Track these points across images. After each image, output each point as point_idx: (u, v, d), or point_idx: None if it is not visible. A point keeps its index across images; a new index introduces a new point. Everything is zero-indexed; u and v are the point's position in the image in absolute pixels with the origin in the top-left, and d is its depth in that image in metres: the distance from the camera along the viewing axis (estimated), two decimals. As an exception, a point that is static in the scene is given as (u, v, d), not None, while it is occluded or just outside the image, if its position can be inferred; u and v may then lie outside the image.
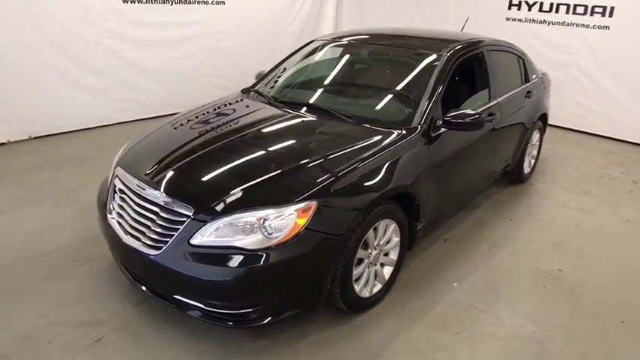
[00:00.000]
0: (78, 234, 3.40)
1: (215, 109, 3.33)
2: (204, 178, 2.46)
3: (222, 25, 6.63)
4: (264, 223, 2.16)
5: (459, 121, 2.88)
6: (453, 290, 2.98)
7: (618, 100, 6.03)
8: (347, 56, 3.76)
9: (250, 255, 2.13)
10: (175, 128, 3.08)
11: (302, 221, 2.17)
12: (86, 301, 2.72)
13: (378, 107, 3.20)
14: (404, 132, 2.81)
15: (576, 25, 6.13)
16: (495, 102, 3.65)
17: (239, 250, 2.14)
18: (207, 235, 2.17)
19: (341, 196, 2.35)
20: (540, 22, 6.45)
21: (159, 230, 2.29)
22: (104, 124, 5.75)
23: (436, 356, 2.43)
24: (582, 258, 3.43)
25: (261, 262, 2.11)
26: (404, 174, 2.68)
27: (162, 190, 2.37)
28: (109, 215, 2.58)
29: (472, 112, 2.91)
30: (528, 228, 3.84)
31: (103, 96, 5.66)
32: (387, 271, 2.80)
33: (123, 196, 2.56)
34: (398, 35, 3.93)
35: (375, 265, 2.68)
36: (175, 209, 2.26)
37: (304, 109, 3.20)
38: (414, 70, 3.29)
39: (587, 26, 6.05)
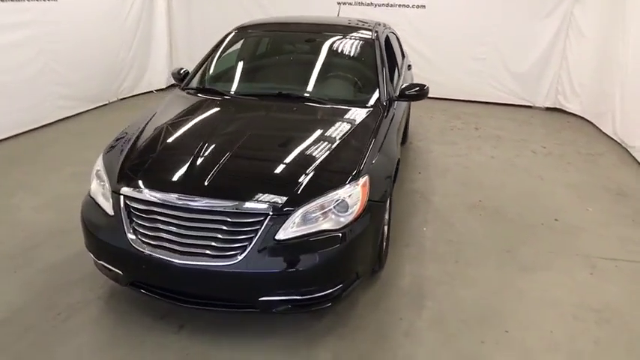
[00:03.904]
0: (26, 287, 2.82)
1: (181, 108, 3.19)
2: (265, 175, 2.49)
3: (56, 24, 5.76)
4: (339, 203, 2.32)
5: (411, 92, 3.42)
6: (427, 233, 3.57)
7: (439, 67, 7.44)
8: (281, 44, 3.94)
9: (336, 235, 2.28)
10: (167, 134, 2.83)
11: (365, 194, 2.41)
12: (111, 352, 2.39)
13: (352, 90, 3.57)
14: (380, 108, 3.21)
15: (399, 6, 7.30)
16: (402, 76, 4.31)
17: (325, 232, 2.27)
18: (291, 228, 2.23)
19: (378, 167, 2.65)
20: (368, 4, 7.44)
21: (230, 237, 2.22)
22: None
23: (456, 283, 2.98)
24: (486, 189, 4.40)
25: (347, 239, 2.29)
26: (395, 142, 3.09)
27: (221, 196, 2.27)
28: (136, 246, 2.29)
29: (419, 83, 3.48)
30: (435, 176, 4.67)
31: None
32: (385, 229, 3.20)
33: (152, 216, 2.32)
34: (317, 23, 4.20)
35: (385, 224, 3.06)
36: (249, 211, 2.23)
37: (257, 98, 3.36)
38: (361, 52, 3.68)
39: (408, 6, 7.28)
